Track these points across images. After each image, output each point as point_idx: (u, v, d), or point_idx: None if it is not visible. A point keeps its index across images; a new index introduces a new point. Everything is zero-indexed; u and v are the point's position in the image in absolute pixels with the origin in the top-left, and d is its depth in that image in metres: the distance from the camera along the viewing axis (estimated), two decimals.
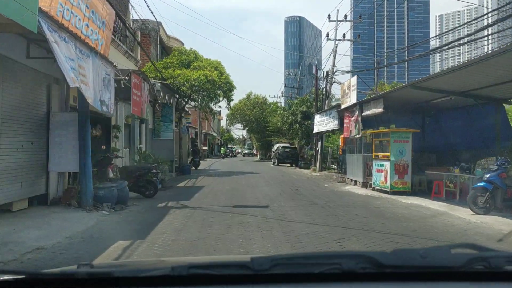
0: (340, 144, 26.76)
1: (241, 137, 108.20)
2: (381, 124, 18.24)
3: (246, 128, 54.63)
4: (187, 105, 26.09)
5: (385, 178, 14.42)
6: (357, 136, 16.83)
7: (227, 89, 22.60)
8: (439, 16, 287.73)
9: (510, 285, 1.45)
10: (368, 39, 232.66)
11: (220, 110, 57.82)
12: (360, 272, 1.40)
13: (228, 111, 49.22)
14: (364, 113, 16.10)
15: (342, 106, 19.17)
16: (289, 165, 34.96)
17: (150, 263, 1.89)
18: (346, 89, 18.96)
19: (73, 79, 7.05)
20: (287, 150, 35.65)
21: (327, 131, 23.82)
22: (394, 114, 17.17)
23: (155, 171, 13.25)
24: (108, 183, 10.93)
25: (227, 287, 1.37)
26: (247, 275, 1.39)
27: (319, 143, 27.53)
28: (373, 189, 15.34)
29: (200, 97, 24.03)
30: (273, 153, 39.72)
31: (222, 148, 73.37)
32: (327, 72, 28.51)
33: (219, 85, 21.70)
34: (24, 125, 9.16)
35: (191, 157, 28.62)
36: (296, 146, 37.79)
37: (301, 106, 33.11)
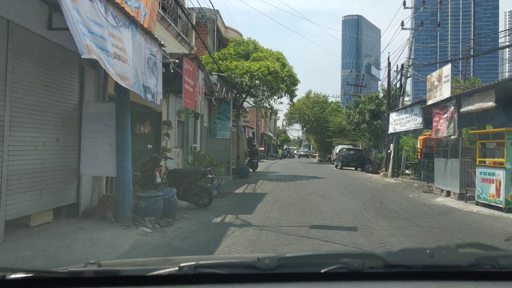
0: (419, 146, 23.51)
1: (296, 138, 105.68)
2: (481, 122, 15.04)
3: (305, 128, 51.73)
4: (243, 103, 23.89)
5: (497, 190, 11.32)
6: (453, 137, 13.76)
7: (290, 83, 20.08)
8: (509, 11, 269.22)
9: None
10: (431, 37, 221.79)
11: (277, 110, 55.45)
12: (368, 272, 1.39)
13: (287, 110, 46.83)
14: (464, 109, 13.04)
15: (430, 101, 16.11)
16: (353, 168, 31.86)
17: (157, 262, 1.82)
18: (435, 81, 15.88)
19: (88, 46, 4.85)
20: (352, 152, 32.48)
21: (406, 131, 20.68)
22: (496, 110, 13.91)
23: (210, 175, 11.01)
24: (153, 191, 8.78)
25: (234, 287, 1.36)
26: (253, 275, 1.38)
27: (391, 144, 24.39)
28: (477, 203, 12.23)
29: (260, 92, 21.76)
30: (335, 155, 36.63)
31: (279, 150, 71.65)
32: (402, 65, 25.25)
33: (281, 78, 19.24)
34: (47, 117, 7.14)
35: (248, 158, 26.44)
36: (360, 148, 34.63)
37: (369, 104, 29.93)
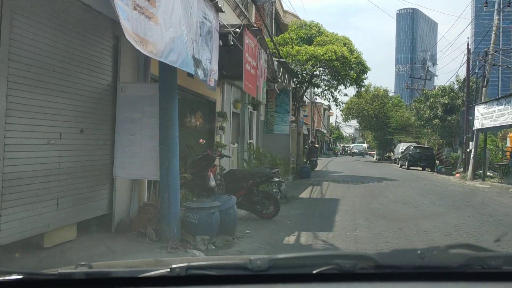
0: (508, 145, 20.28)
1: (348, 135, 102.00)
2: None
3: (363, 125, 48.48)
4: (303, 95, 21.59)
5: None
6: None
7: (359, 70, 17.54)
8: None
9: (507, 285, 1.43)
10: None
11: (341, 102, 52.68)
12: (359, 273, 1.38)
13: (344, 105, 43.82)
14: None
15: None
16: (421, 169, 28.67)
17: (148, 263, 1.76)
18: None
19: None
20: (420, 150, 29.18)
21: (500, 127, 17.61)
22: None
23: (276, 179, 8.85)
24: (206, 200, 6.73)
25: None
26: (245, 276, 1.36)
27: (471, 142, 21.20)
28: None
29: (322, 82, 19.41)
30: (400, 154, 33.44)
31: (335, 147, 70.50)
32: (485, 51, 21.97)
33: (349, 64, 16.77)
34: (65, 100, 5.22)
35: (306, 156, 24.12)
36: (426, 146, 31.34)
37: (442, 97, 26.66)
